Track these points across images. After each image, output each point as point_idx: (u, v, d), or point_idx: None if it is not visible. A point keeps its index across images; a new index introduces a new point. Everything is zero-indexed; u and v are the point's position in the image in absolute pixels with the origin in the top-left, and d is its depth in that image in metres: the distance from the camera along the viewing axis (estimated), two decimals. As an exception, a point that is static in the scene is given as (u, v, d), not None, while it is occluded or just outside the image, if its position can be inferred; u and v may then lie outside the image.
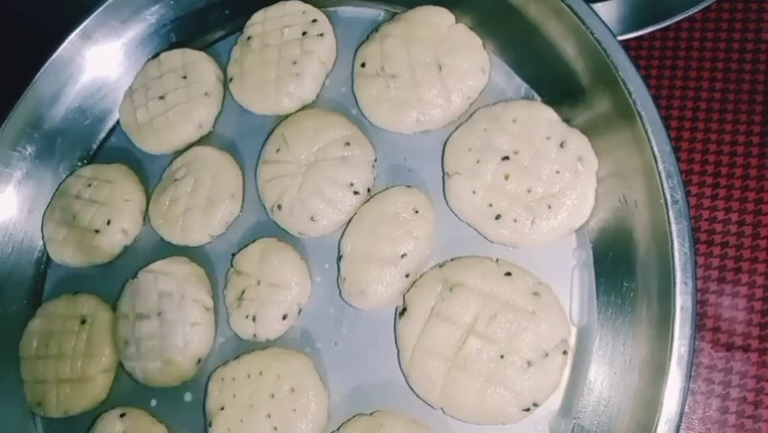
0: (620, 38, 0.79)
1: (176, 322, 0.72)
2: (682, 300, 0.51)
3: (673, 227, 0.53)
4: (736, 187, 0.77)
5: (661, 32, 0.82)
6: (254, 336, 0.70)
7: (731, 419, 0.70)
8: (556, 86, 0.67)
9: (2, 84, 0.86)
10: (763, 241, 0.74)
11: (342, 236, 0.70)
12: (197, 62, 0.84)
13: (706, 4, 0.78)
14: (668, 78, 0.83)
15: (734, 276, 0.74)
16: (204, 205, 0.76)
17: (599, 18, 0.60)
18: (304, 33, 0.78)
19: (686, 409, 0.70)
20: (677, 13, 0.79)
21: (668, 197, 0.53)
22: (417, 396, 0.63)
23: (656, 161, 0.54)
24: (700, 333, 0.72)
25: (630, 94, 0.56)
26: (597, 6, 0.81)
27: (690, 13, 0.78)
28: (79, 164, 0.89)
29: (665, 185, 0.53)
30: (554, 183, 0.63)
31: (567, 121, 0.65)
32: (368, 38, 0.76)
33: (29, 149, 0.87)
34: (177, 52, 0.85)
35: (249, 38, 0.81)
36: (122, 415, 0.72)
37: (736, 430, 0.69)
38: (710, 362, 0.72)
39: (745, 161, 0.78)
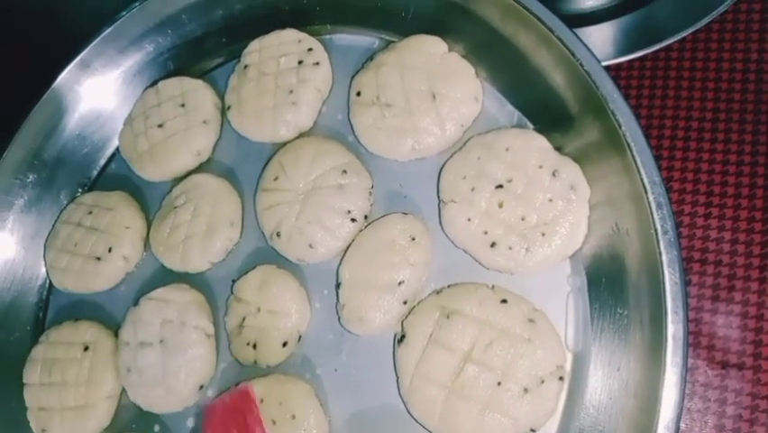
0: (613, 61, 0.81)
1: (177, 349, 0.73)
2: (674, 329, 0.52)
3: (664, 257, 0.54)
4: (728, 206, 0.78)
5: (652, 53, 0.84)
6: (255, 362, 0.71)
7: (727, 436, 0.71)
8: (548, 114, 0.68)
9: (2, 112, 0.87)
10: (755, 259, 0.75)
11: (340, 263, 0.71)
12: (195, 90, 0.85)
13: (696, 27, 0.79)
14: (660, 99, 0.85)
15: (727, 294, 0.75)
16: (203, 232, 0.77)
17: (588, 49, 0.61)
18: (300, 62, 0.79)
19: (683, 426, 0.71)
20: (668, 35, 0.80)
21: (658, 227, 0.54)
22: (417, 422, 0.64)
23: (646, 192, 0.55)
24: (696, 351, 0.73)
25: (620, 125, 0.57)
26: (589, 30, 0.82)
27: (682, 35, 0.79)
28: (80, 191, 0.91)
29: (655, 215, 0.54)
30: (548, 211, 0.64)
31: (559, 148, 0.67)
32: (363, 66, 0.77)
33: (30, 177, 0.88)
34: (175, 80, 0.86)
35: (246, 66, 0.82)
36: (125, 442, 0.74)
37: (732, 448, 0.70)
38: (706, 380, 0.73)
39: (736, 179, 0.79)
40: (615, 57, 0.80)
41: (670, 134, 0.83)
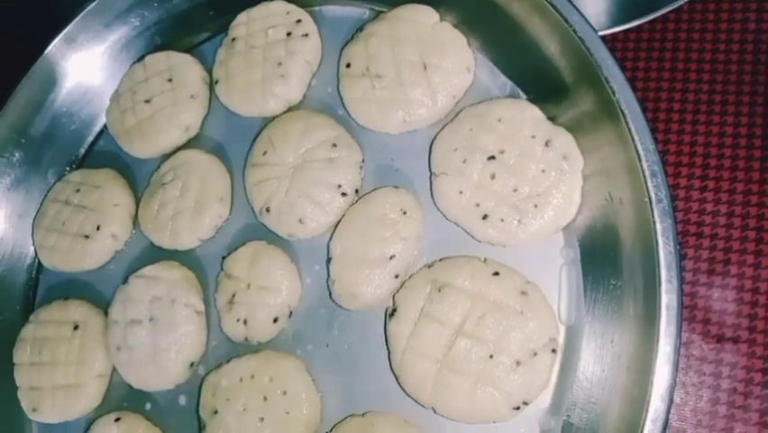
0: (608, 31, 0.79)
1: (167, 327, 0.72)
2: (668, 299, 0.51)
3: (658, 226, 0.53)
4: (724, 179, 0.77)
5: (648, 23, 0.82)
6: (246, 339, 0.70)
7: (722, 409, 0.70)
8: (541, 83, 0.67)
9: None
10: (751, 232, 0.75)
11: (330, 238, 0.70)
12: (183, 65, 0.83)
13: (692, -5, 0.78)
14: (656, 71, 0.83)
15: (723, 268, 0.74)
16: (192, 208, 0.76)
17: (583, 16, 0.60)
18: (288, 34, 0.78)
19: (678, 400, 0.71)
20: (664, 5, 0.78)
21: (652, 195, 0.53)
22: (409, 396, 0.63)
23: (640, 160, 0.54)
24: (691, 325, 0.73)
25: (614, 93, 0.56)
26: (584, 0, 0.81)
27: (677, 4, 0.78)
28: (68, 169, 0.89)
29: (649, 184, 0.53)
30: (540, 182, 0.63)
31: (552, 119, 0.65)
32: (353, 37, 0.75)
33: (17, 155, 0.87)
34: (162, 55, 0.85)
35: (233, 39, 0.80)
36: (117, 420, 0.73)
37: (726, 421, 0.69)
38: (701, 354, 0.73)
39: (733, 152, 0.78)
40: (610, 27, 0.79)
41: (666, 107, 0.82)
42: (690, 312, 0.73)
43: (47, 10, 1.02)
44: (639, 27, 0.82)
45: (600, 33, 0.77)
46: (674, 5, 0.78)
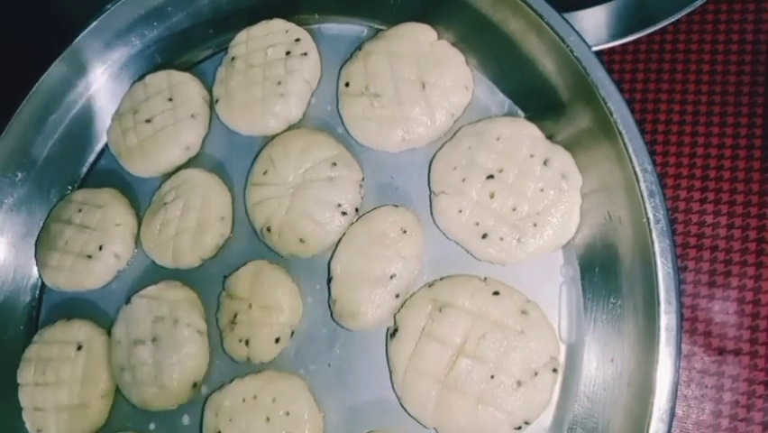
0: (606, 45, 0.79)
1: (170, 347, 0.72)
2: (667, 320, 0.52)
3: (656, 246, 0.53)
4: (724, 190, 0.77)
5: (646, 36, 0.82)
6: (248, 359, 0.70)
7: (724, 422, 0.70)
8: (539, 101, 0.67)
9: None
10: (751, 244, 0.75)
11: (331, 257, 0.70)
12: (183, 84, 0.84)
13: (690, 9, 0.78)
14: (654, 83, 0.83)
15: (724, 280, 0.74)
16: (194, 228, 0.76)
17: (579, 34, 0.60)
18: (288, 53, 0.78)
19: (680, 413, 0.71)
20: (662, 18, 0.78)
21: (650, 216, 0.53)
22: (411, 416, 0.63)
23: (638, 180, 0.54)
24: (692, 337, 0.73)
25: (611, 113, 0.56)
26: (581, 13, 0.81)
27: (676, 17, 0.78)
28: (70, 188, 0.90)
29: (647, 204, 0.54)
30: (539, 201, 0.63)
31: (551, 136, 0.66)
32: (351, 56, 0.76)
33: (19, 175, 0.87)
34: (162, 74, 0.85)
35: (233, 58, 0.81)
36: (121, 439, 0.74)
37: (729, 434, 0.70)
38: (703, 366, 0.73)
39: (732, 164, 0.78)
40: (608, 41, 0.79)
41: (665, 119, 0.82)
42: (691, 325, 0.73)
43: (48, 16, 1.03)
44: (637, 40, 0.82)
45: (599, 48, 0.78)
46: (673, 18, 0.78)
